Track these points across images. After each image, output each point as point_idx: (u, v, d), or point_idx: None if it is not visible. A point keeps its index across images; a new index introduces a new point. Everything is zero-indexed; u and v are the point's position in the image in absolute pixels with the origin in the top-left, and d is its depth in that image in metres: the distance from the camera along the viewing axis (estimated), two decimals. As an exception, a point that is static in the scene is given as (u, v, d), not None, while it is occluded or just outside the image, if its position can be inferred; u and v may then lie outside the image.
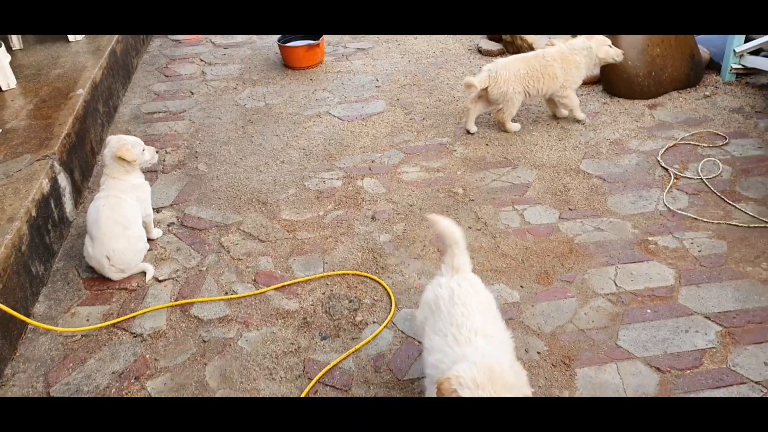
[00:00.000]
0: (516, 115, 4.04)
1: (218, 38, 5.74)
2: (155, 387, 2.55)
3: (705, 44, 4.53)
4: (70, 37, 4.75)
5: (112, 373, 2.62)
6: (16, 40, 4.63)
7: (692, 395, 2.37)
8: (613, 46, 3.91)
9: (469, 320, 2.05)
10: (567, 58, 3.82)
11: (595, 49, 3.84)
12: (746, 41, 4.27)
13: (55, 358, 2.70)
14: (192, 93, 4.82)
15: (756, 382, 2.40)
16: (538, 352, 2.58)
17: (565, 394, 2.41)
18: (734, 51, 4.29)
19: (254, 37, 5.71)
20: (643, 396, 2.38)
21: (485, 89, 3.84)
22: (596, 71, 4.12)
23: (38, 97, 4.00)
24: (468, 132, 4.01)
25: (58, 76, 4.26)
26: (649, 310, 2.74)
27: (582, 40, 3.89)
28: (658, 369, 2.49)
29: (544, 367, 2.52)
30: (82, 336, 2.80)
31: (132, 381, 2.58)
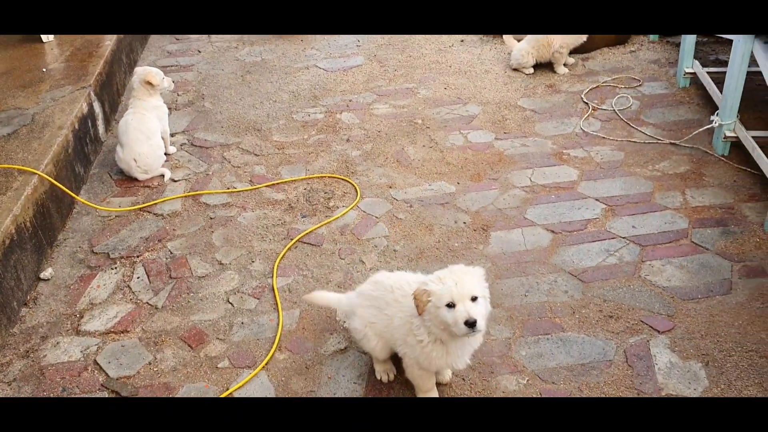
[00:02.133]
0: (473, 65, 4.86)
1: (222, 9, 6.54)
2: (174, 246, 3.36)
3: (635, 10, 5.34)
4: None
5: (140, 238, 3.44)
6: (50, 4, 5.44)
7: (573, 249, 3.18)
8: None
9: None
10: None
11: None
12: (666, 6, 5.07)
13: (95, 230, 3.52)
14: (199, 51, 5.64)
15: (622, 237, 3.22)
16: (464, 222, 3.40)
17: (480, 248, 3.22)
18: (656, 14, 5.09)
19: (253, 8, 6.51)
20: (541, 248, 3.19)
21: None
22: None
23: (73, 46, 4.82)
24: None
25: (87, 32, 5.08)
26: (553, 196, 3.56)
27: None
28: (552, 231, 3.31)
29: (467, 231, 3.34)
30: (116, 216, 3.62)
31: (156, 242, 3.40)
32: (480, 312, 2.07)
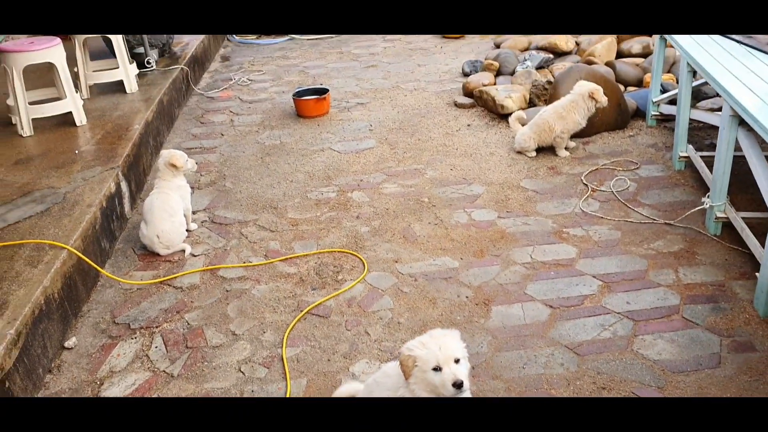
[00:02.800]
0: (478, 148, 5.14)
1: (245, 95, 6.97)
2: (191, 318, 3.56)
3: (632, 97, 5.65)
4: (127, 89, 5.98)
5: (160, 309, 3.65)
6: (84, 91, 5.87)
7: (570, 323, 3.33)
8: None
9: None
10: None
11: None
12: (662, 93, 5.37)
13: (118, 302, 3.74)
14: (222, 134, 5.99)
15: (617, 312, 3.37)
16: (467, 296, 3.57)
17: (482, 321, 3.39)
18: (652, 101, 5.39)
19: (274, 94, 6.93)
20: (539, 323, 3.34)
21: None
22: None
23: (104, 130, 5.18)
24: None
25: (118, 116, 5.46)
26: (552, 272, 3.73)
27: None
28: (550, 306, 3.47)
29: (469, 305, 3.51)
30: (138, 288, 3.84)
31: (174, 314, 3.60)
32: (464, 373, 2.23)
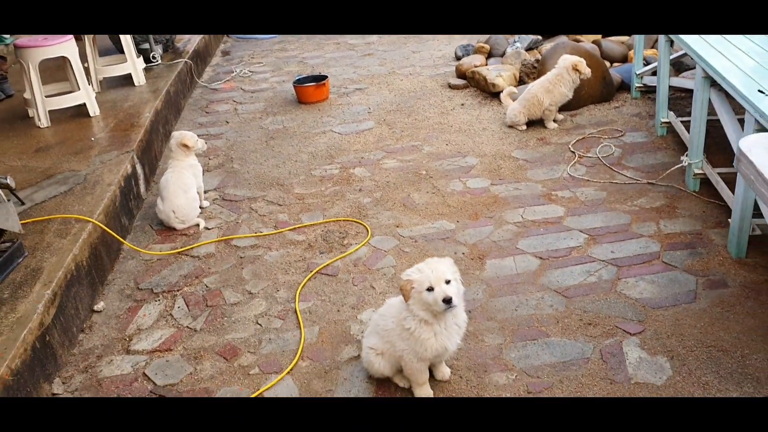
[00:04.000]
0: (472, 125, 5.43)
1: (247, 86, 7.25)
2: (209, 281, 3.85)
3: (617, 71, 5.93)
4: (135, 82, 6.27)
5: (180, 275, 3.93)
6: (95, 85, 6.15)
7: (558, 271, 3.62)
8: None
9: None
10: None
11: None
12: (645, 65, 5.65)
13: (140, 271, 4.03)
14: (227, 122, 6.28)
15: (602, 260, 3.66)
16: (463, 253, 3.86)
17: (477, 273, 3.67)
18: (636, 73, 5.67)
19: (275, 84, 7.22)
20: (530, 272, 3.62)
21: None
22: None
23: (117, 119, 5.47)
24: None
25: (129, 107, 5.75)
26: (542, 229, 4.02)
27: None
28: (540, 258, 3.75)
29: (466, 260, 3.79)
30: (157, 258, 4.13)
31: (193, 279, 3.89)
32: (453, 291, 2.52)
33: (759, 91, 3.30)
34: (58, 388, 3.12)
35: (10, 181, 3.37)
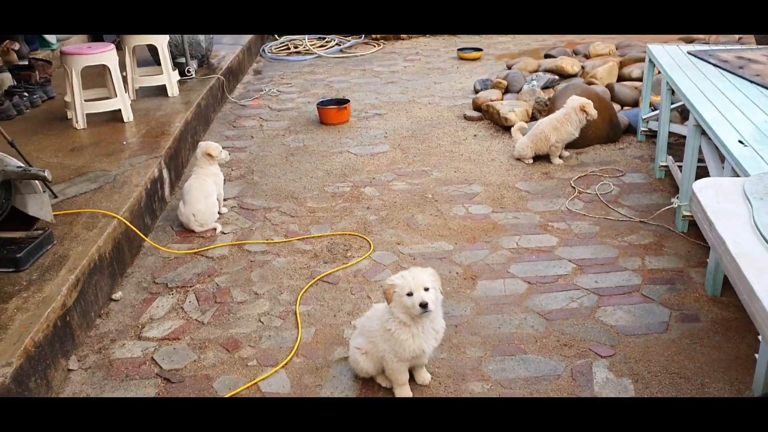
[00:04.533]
0: (481, 155, 5.72)
1: (274, 104, 7.63)
2: (220, 281, 4.15)
3: (625, 115, 6.20)
4: (169, 93, 6.67)
5: (193, 273, 4.25)
6: (131, 93, 6.56)
7: (543, 295, 3.87)
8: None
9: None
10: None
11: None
12: (653, 111, 5.91)
13: (157, 266, 4.35)
14: (252, 137, 6.64)
15: (585, 289, 3.90)
16: (457, 272, 4.13)
17: (468, 292, 3.93)
18: (642, 118, 5.93)
19: (300, 104, 7.58)
20: (517, 295, 3.87)
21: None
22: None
23: (149, 126, 5.85)
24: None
25: (161, 115, 6.13)
26: (534, 257, 4.27)
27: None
28: (528, 282, 4.00)
29: (458, 279, 4.06)
30: (174, 257, 4.45)
31: (206, 277, 4.20)
32: (431, 297, 2.79)
33: (739, 141, 3.55)
34: (73, 365, 3.43)
35: (47, 174, 3.71)
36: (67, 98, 5.86)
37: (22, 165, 3.83)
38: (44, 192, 3.89)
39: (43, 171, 3.73)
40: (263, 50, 10.15)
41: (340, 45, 10.25)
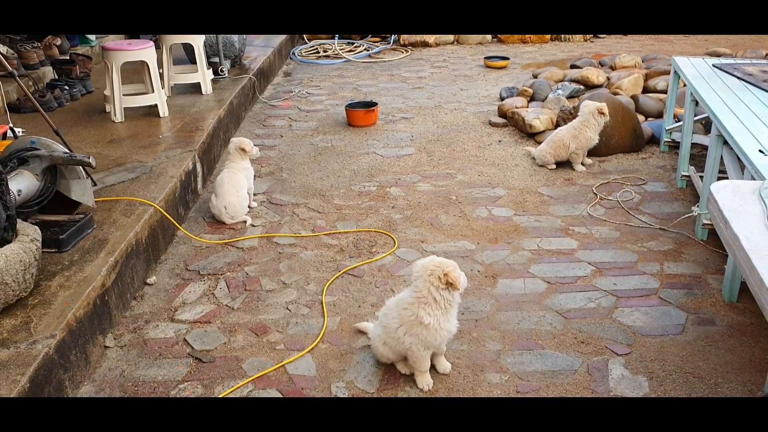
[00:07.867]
0: (505, 160, 5.85)
1: (303, 105, 7.82)
2: (250, 270, 4.31)
3: (649, 125, 6.28)
4: (203, 91, 6.88)
5: (224, 262, 4.41)
6: (167, 90, 6.77)
7: (562, 295, 3.98)
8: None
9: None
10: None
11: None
12: (676, 122, 5.99)
13: (190, 255, 4.52)
14: (281, 136, 6.82)
15: (604, 290, 4.00)
16: (478, 270, 4.25)
17: (489, 290, 4.05)
18: (665, 129, 6.01)
19: (329, 106, 7.76)
20: (537, 294, 3.99)
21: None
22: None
23: (183, 121, 6.05)
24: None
25: (195, 112, 6.34)
26: (554, 258, 4.38)
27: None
28: (548, 282, 4.11)
29: (479, 277, 4.18)
30: (206, 246, 4.62)
31: (236, 266, 4.36)
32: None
33: (759, 151, 3.64)
34: (110, 342, 3.60)
35: (92, 160, 3.90)
36: (107, 92, 6.08)
37: (68, 151, 4.02)
38: (87, 178, 4.08)
39: (88, 157, 3.91)
40: (293, 53, 10.37)
41: (368, 50, 10.43)
